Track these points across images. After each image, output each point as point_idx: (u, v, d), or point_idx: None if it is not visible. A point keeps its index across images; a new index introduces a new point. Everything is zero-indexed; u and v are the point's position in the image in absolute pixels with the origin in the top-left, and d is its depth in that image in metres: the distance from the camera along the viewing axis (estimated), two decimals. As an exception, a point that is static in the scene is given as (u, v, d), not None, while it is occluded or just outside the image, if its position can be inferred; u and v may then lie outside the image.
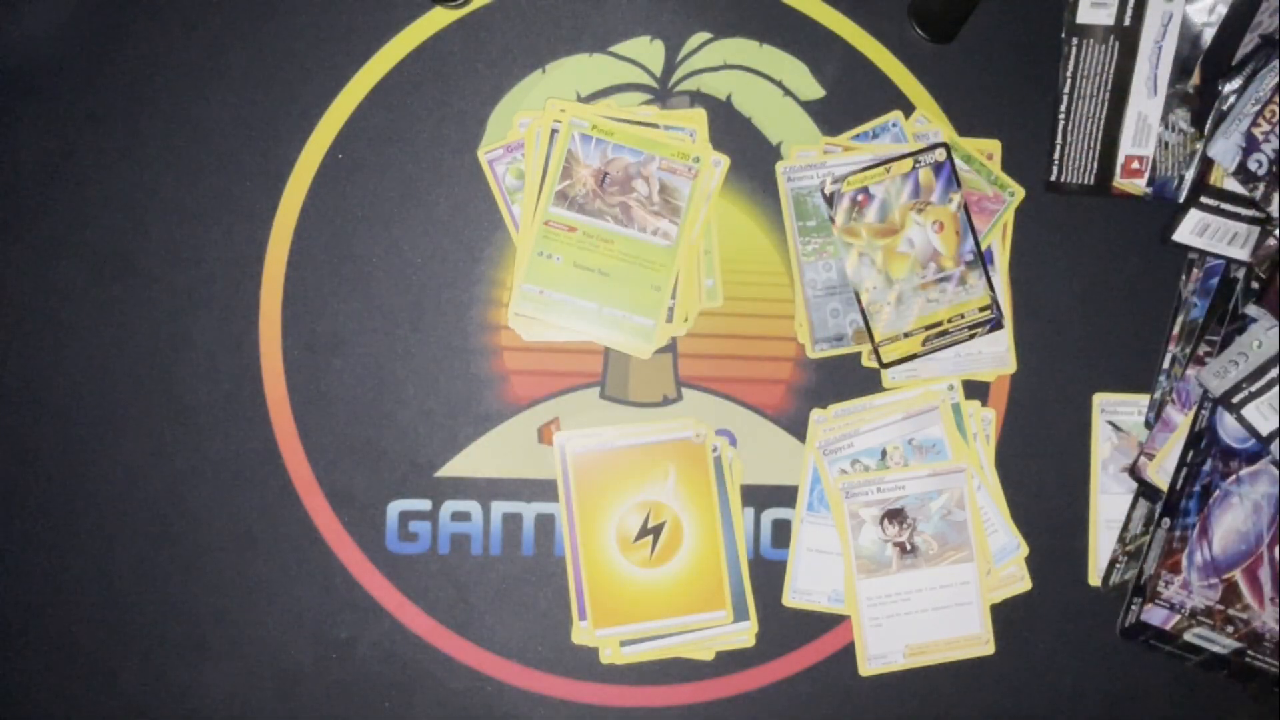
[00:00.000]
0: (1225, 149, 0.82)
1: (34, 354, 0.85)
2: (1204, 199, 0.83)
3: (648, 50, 0.89)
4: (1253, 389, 0.80)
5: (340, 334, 0.87)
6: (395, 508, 0.86)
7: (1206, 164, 0.84)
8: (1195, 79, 0.87)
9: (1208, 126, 0.85)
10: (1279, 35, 0.83)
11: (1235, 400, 0.80)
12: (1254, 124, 0.81)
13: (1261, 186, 0.82)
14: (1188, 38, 0.87)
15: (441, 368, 0.87)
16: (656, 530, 0.86)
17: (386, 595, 0.86)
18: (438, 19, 0.88)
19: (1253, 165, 0.82)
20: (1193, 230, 0.84)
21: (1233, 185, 0.84)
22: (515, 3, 0.88)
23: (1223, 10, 0.86)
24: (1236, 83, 0.84)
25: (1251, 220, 0.84)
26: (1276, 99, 0.81)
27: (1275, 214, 0.83)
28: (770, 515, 0.88)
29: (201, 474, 0.85)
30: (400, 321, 0.87)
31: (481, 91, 0.88)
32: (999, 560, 0.88)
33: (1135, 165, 0.89)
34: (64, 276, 0.86)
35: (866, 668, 0.87)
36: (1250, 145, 0.81)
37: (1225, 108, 0.84)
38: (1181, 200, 0.86)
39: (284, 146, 0.87)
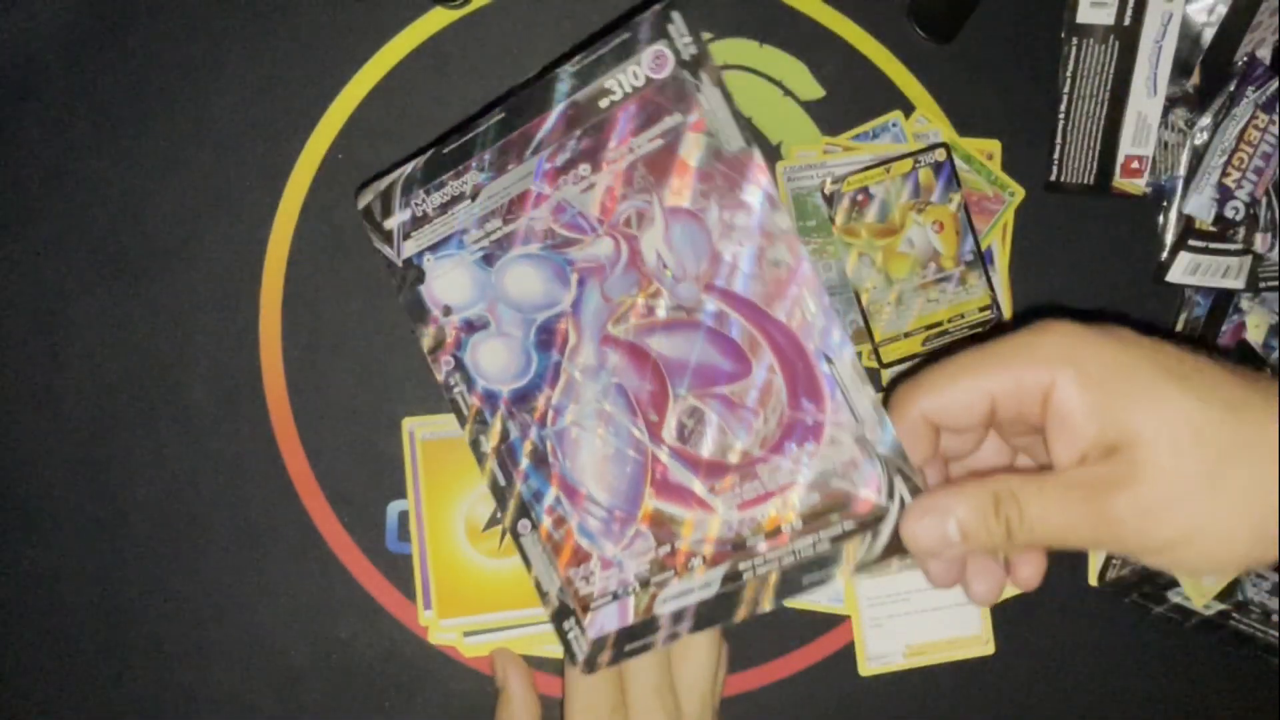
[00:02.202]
0: (1200, 204, 0.85)
1: (34, 354, 0.85)
2: (1191, 241, 0.86)
3: (648, 50, 0.89)
4: None
5: (340, 334, 0.86)
6: (395, 508, 0.86)
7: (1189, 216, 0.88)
8: (1195, 79, 0.87)
9: (1181, 174, 0.88)
10: (1233, 87, 0.86)
11: None
12: (1224, 174, 0.85)
13: (1242, 230, 0.86)
14: (1188, 38, 0.87)
15: (441, 368, 0.87)
16: None
17: (386, 595, 0.86)
18: (438, 19, 0.88)
19: (1229, 213, 0.85)
20: (1185, 271, 0.87)
21: (1220, 221, 0.88)
22: (515, 3, 0.88)
23: (1223, 10, 0.86)
24: (1206, 120, 0.87)
25: (1241, 253, 0.86)
26: (1244, 147, 0.84)
27: (1260, 249, 0.86)
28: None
29: (201, 474, 0.85)
30: (400, 322, 0.87)
31: (482, 91, 0.88)
32: (999, 560, 0.88)
33: (1135, 165, 0.89)
34: (64, 276, 0.86)
35: (866, 668, 0.87)
36: (1224, 195, 0.85)
37: (1197, 144, 0.87)
38: (1169, 243, 0.89)
39: (284, 146, 0.87)
